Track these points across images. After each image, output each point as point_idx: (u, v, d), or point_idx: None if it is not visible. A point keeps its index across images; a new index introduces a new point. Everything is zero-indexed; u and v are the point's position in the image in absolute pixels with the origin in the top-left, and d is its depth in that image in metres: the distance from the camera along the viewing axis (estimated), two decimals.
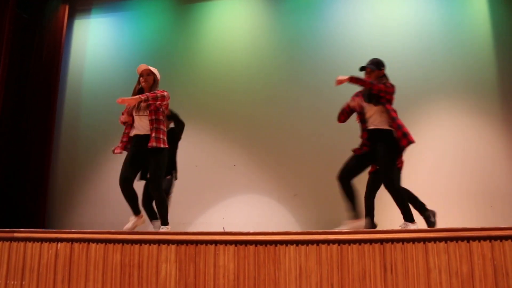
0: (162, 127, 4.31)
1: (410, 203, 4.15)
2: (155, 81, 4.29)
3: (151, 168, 4.27)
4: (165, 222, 4.35)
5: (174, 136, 4.92)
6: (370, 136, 4.04)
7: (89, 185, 7.19)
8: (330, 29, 6.93)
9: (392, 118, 3.98)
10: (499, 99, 6.07)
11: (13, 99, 7.16)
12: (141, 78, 4.29)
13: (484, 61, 6.29)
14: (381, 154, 3.92)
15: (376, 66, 4.17)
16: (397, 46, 6.59)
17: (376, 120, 4.06)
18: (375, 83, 4.01)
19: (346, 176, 4.02)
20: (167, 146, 4.31)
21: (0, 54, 6.61)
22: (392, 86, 4.07)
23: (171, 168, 4.92)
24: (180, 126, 4.97)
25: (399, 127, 3.93)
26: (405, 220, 3.98)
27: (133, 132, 4.34)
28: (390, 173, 3.91)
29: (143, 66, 4.28)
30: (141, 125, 4.31)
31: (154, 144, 4.16)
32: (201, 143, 6.78)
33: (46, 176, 7.15)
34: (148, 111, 4.23)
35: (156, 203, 4.43)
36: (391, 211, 6.06)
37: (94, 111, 7.39)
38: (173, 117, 4.94)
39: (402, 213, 3.97)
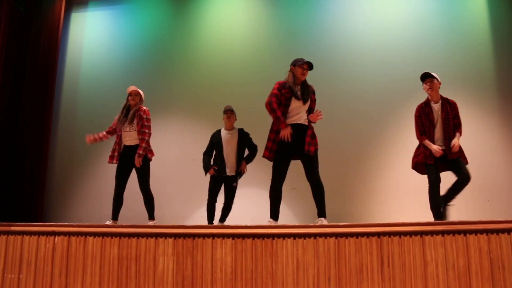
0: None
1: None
2: (141, 99, 4.98)
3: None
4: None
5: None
6: None
7: (87, 179, 7.17)
8: (328, 23, 6.90)
9: None
10: (496, 93, 6.08)
11: (10, 93, 7.13)
12: (129, 97, 4.94)
13: (482, 56, 6.28)
14: None
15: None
16: (395, 40, 6.57)
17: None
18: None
19: None
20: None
21: None
22: None
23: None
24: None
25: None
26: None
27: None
28: None
29: (132, 87, 4.96)
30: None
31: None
32: (198, 137, 6.76)
33: (44, 170, 7.13)
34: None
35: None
36: (389, 205, 6.11)
37: (91, 105, 7.35)
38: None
39: None
